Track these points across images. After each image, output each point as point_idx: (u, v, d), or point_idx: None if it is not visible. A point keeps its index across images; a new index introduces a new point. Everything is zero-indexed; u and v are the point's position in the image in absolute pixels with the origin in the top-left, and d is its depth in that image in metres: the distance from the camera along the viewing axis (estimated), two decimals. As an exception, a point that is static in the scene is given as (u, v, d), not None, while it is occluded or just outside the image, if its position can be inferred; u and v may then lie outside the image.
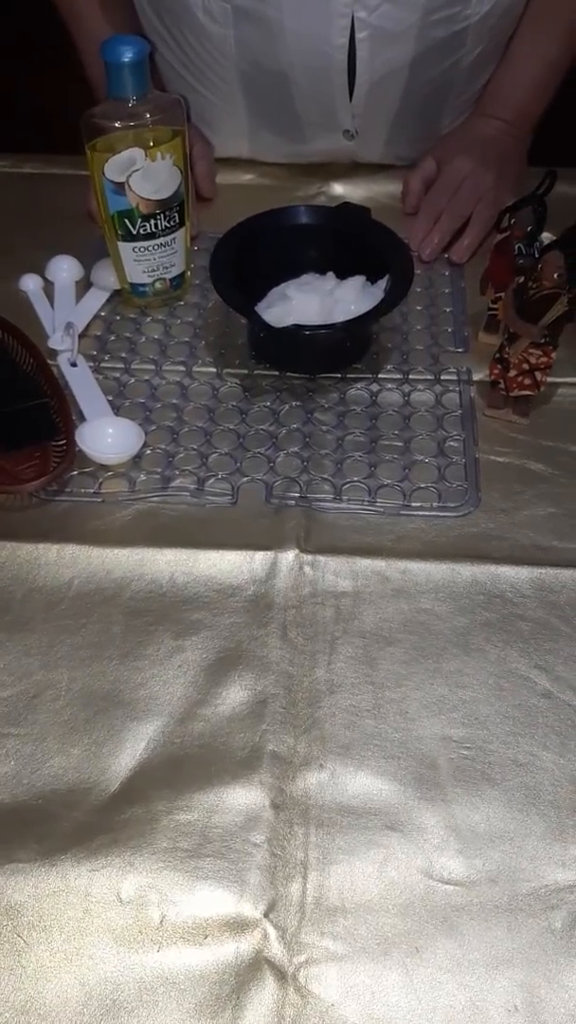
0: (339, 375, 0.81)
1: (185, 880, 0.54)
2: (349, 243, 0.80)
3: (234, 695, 0.61)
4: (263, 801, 0.57)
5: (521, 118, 0.93)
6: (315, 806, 0.57)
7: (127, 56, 0.70)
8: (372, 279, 0.80)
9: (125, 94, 0.72)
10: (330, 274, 0.82)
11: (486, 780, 0.58)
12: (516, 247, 0.76)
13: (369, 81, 0.89)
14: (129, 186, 0.76)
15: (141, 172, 0.75)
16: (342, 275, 0.81)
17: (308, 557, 0.68)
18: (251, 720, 0.60)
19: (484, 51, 0.91)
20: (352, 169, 0.98)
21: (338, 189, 0.98)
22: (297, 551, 0.68)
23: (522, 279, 0.72)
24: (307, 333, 0.75)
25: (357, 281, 0.79)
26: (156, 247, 0.81)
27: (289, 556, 0.68)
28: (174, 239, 0.81)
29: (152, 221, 0.79)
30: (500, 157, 0.91)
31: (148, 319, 0.86)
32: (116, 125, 0.73)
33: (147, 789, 0.57)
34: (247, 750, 0.59)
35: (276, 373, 0.81)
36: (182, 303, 0.87)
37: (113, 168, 0.74)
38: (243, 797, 0.57)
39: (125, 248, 0.80)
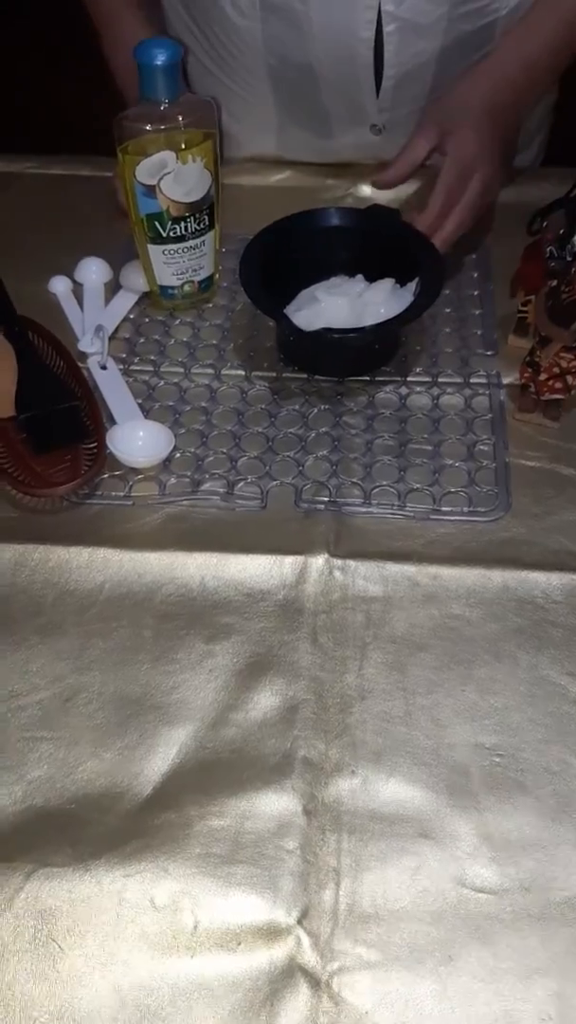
0: (368, 378, 0.81)
1: (218, 886, 0.54)
2: (379, 245, 0.80)
3: (265, 700, 0.61)
4: (295, 807, 0.57)
5: (529, 76, 0.86)
6: (347, 812, 0.57)
7: (160, 59, 0.70)
8: (401, 282, 0.79)
9: (157, 96, 0.72)
10: (359, 276, 0.81)
11: (518, 788, 0.58)
12: (548, 250, 0.76)
13: (396, 75, 0.88)
14: (160, 189, 0.76)
15: (172, 175, 0.75)
16: (371, 277, 0.81)
17: (338, 562, 0.68)
18: (282, 726, 0.60)
19: None
20: (380, 170, 0.97)
21: (366, 190, 0.98)
22: (327, 555, 0.68)
23: (555, 283, 0.71)
24: (336, 337, 0.74)
25: (387, 284, 0.79)
26: (185, 250, 0.81)
27: (319, 561, 0.68)
28: (203, 242, 0.81)
29: (182, 224, 0.79)
30: (504, 125, 0.85)
31: (177, 321, 0.86)
32: (147, 128, 0.73)
33: (180, 794, 0.57)
34: (279, 756, 0.59)
35: (305, 376, 0.81)
36: (210, 305, 0.87)
37: (144, 171, 0.74)
38: (275, 803, 0.57)
39: (155, 251, 0.80)
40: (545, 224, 0.77)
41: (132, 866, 0.54)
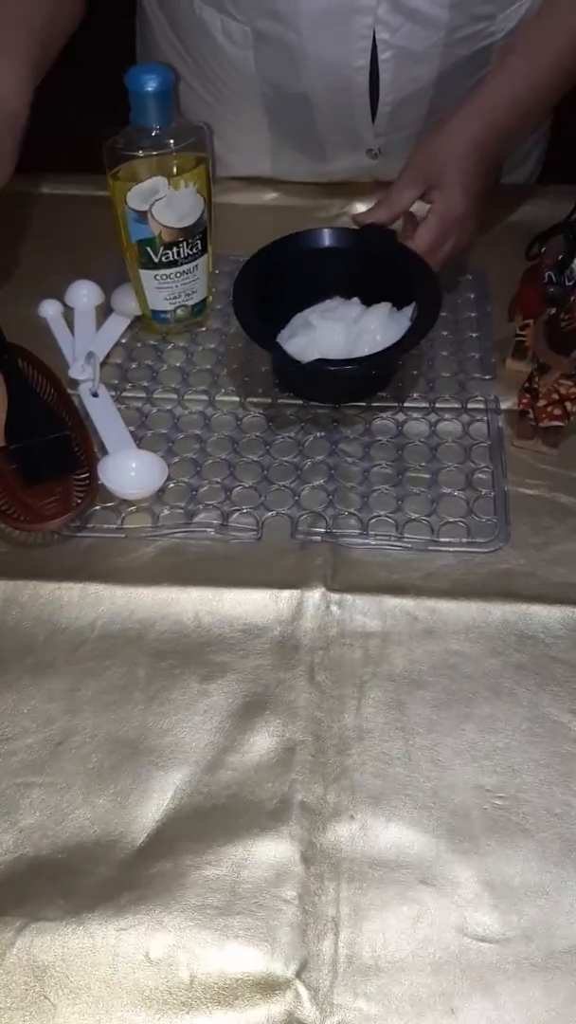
0: (364, 404, 0.79)
1: (215, 939, 0.53)
2: (374, 267, 0.79)
3: (262, 742, 0.60)
4: (293, 855, 0.56)
5: (517, 118, 0.83)
6: (346, 859, 0.56)
7: (151, 85, 0.69)
8: (398, 304, 0.78)
9: (148, 123, 0.71)
10: (355, 300, 0.80)
11: (520, 831, 0.57)
12: (546, 275, 0.75)
13: (393, 102, 0.87)
14: (152, 215, 0.74)
15: (164, 201, 0.74)
16: (367, 299, 0.79)
17: (335, 596, 0.67)
18: (279, 769, 0.59)
19: None
20: (374, 188, 0.96)
21: (360, 208, 0.96)
22: (324, 589, 0.67)
23: (553, 310, 0.70)
24: (331, 370, 0.73)
25: (383, 309, 0.77)
26: (178, 275, 0.79)
27: (316, 595, 0.67)
28: (196, 266, 0.80)
29: (174, 249, 0.77)
30: (490, 168, 0.82)
31: (170, 346, 0.85)
32: (139, 154, 0.72)
33: (174, 842, 0.56)
34: (276, 800, 0.58)
35: (300, 402, 0.80)
36: (203, 329, 0.86)
37: (136, 197, 0.73)
38: (272, 850, 0.56)
39: (146, 276, 0.79)
40: (543, 249, 0.76)
41: (126, 919, 0.53)
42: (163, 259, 0.78)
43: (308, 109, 0.89)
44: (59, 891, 0.54)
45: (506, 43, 0.85)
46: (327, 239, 0.82)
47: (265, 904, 0.54)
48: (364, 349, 0.76)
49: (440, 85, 0.86)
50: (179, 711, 0.62)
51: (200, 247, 0.79)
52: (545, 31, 0.81)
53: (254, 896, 0.54)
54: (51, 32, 0.79)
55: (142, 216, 0.75)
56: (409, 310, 0.77)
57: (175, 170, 0.73)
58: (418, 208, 0.81)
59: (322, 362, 0.73)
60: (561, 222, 0.77)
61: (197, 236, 0.78)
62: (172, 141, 0.73)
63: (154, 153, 0.73)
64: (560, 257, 0.73)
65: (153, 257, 0.77)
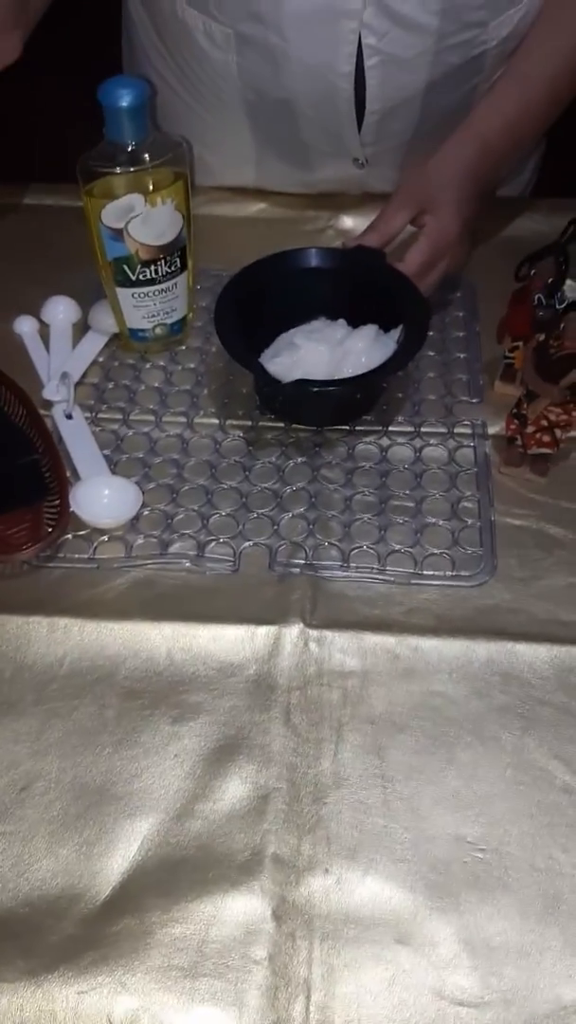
0: (348, 428, 0.77)
1: (180, 1003, 0.50)
2: (362, 288, 0.76)
3: (234, 789, 0.58)
4: (264, 911, 0.53)
5: (510, 140, 0.82)
6: (319, 916, 0.53)
7: (125, 100, 0.66)
8: (385, 327, 0.76)
9: (123, 139, 0.68)
10: (341, 321, 0.78)
11: (501, 886, 0.54)
12: (536, 298, 0.72)
13: (380, 110, 0.84)
14: (128, 232, 0.72)
15: (141, 218, 0.71)
16: (354, 320, 0.77)
17: (314, 632, 0.64)
18: (252, 818, 0.57)
19: None
20: (362, 201, 0.93)
21: (348, 222, 0.94)
22: (302, 625, 0.64)
23: (543, 337, 0.67)
24: (314, 391, 0.71)
25: (369, 331, 0.75)
26: (156, 292, 0.77)
27: (293, 631, 0.64)
28: (175, 284, 0.77)
29: (152, 267, 0.75)
30: (480, 197, 0.80)
31: (148, 365, 0.82)
32: (115, 171, 0.70)
33: (140, 896, 0.54)
34: (247, 852, 0.55)
35: (281, 425, 0.77)
36: (183, 348, 0.83)
37: (111, 214, 0.71)
38: (243, 906, 0.53)
39: (123, 294, 0.76)
40: (533, 272, 0.74)
41: (88, 980, 0.51)
42: (141, 277, 0.75)
43: (292, 116, 0.86)
44: (19, 950, 0.52)
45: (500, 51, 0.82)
46: (313, 259, 0.79)
47: (234, 965, 0.51)
48: (349, 371, 0.73)
49: (430, 95, 0.84)
50: (149, 755, 0.59)
51: (179, 265, 0.76)
52: (536, 54, 0.80)
53: (222, 956, 0.52)
54: None
55: (118, 234, 0.72)
56: (396, 333, 0.75)
57: (152, 186, 0.71)
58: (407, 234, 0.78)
59: (304, 383, 0.71)
60: (551, 244, 0.74)
61: (176, 254, 0.75)
62: (148, 156, 0.70)
63: (131, 169, 0.70)
64: (550, 280, 0.71)
65: (130, 275, 0.75)
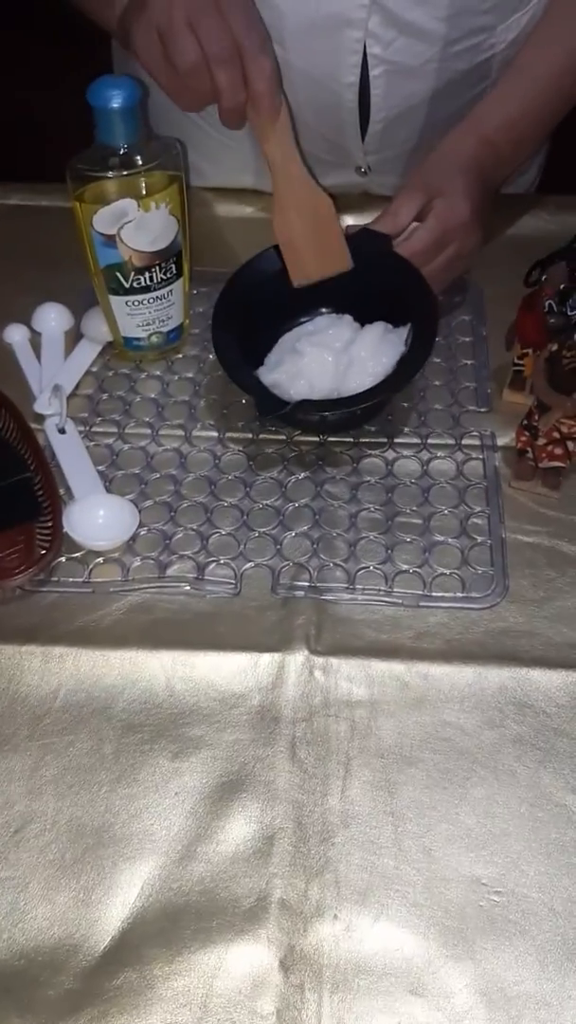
0: (351, 440, 0.74)
1: (184, 1063, 0.48)
2: (367, 277, 0.73)
3: (238, 830, 0.55)
4: (271, 961, 0.51)
5: (509, 137, 0.79)
6: (328, 966, 0.51)
7: (116, 101, 0.63)
8: (392, 320, 0.72)
9: (115, 141, 0.65)
10: (347, 317, 0.74)
11: (519, 932, 0.52)
12: (547, 304, 0.69)
13: (384, 119, 0.81)
14: (121, 239, 0.69)
15: (134, 224, 0.68)
16: (360, 313, 0.74)
17: (319, 660, 0.62)
18: (257, 861, 0.54)
19: None
20: (364, 201, 0.90)
21: (348, 221, 0.90)
22: (307, 653, 0.62)
23: (555, 347, 0.65)
24: (318, 416, 0.68)
25: (376, 331, 0.72)
26: (151, 300, 0.74)
27: (298, 659, 0.62)
28: (171, 291, 0.74)
29: (146, 274, 0.71)
30: (490, 187, 0.78)
31: (143, 375, 0.79)
32: (107, 175, 0.66)
33: (141, 947, 0.51)
34: (252, 898, 0.53)
35: (283, 438, 0.74)
36: (180, 356, 0.80)
37: (103, 220, 0.67)
38: (249, 957, 0.51)
39: (117, 302, 0.73)
40: (544, 277, 0.70)
41: (87, 1039, 0.48)
42: (134, 285, 0.72)
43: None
44: (14, 1006, 0.49)
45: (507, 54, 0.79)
46: None
47: (239, 1020, 0.49)
48: (354, 379, 0.70)
49: (436, 101, 0.81)
50: (148, 793, 0.57)
51: (175, 271, 0.73)
52: (540, 51, 0.77)
53: (228, 1012, 0.49)
54: None
55: (110, 240, 0.69)
56: (404, 332, 0.72)
57: (145, 190, 0.67)
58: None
59: (306, 403, 0.68)
60: (563, 248, 0.71)
61: (171, 260, 0.72)
62: (141, 159, 0.67)
63: (123, 173, 0.67)
64: (562, 286, 0.68)
65: (123, 283, 0.72)
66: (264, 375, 0.72)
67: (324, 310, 0.77)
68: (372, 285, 0.72)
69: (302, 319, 0.77)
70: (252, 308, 0.72)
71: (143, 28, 0.65)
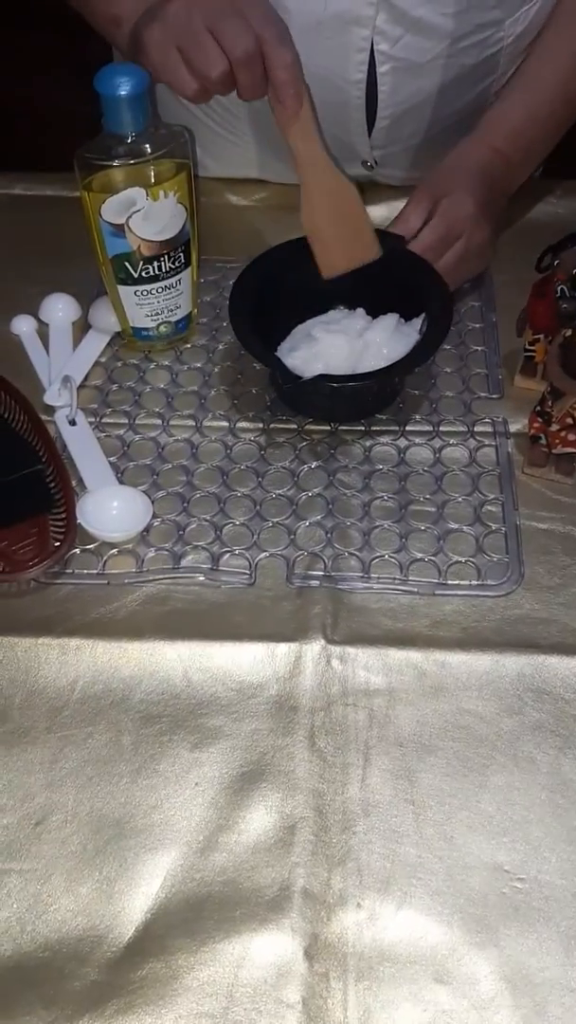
0: (363, 427, 0.74)
1: (211, 1053, 0.48)
2: (381, 275, 0.72)
3: (259, 819, 0.55)
4: (295, 951, 0.51)
5: (516, 145, 0.80)
6: (353, 954, 0.51)
7: (124, 89, 0.62)
8: (405, 315, 0.72)
9: (123, 130, 0.65)
10: (360, 311, 0.74)
11: (543, 918, 0.52)
12: (559, 289, 0.69)
13: (391, 115, 0.81)
14: (129, 228, 0.68)
15: (142, 213, 0.67)
16: (373, 310, 0.73)
17: (336, 649, 0.62)
18: (279, 850, 0.54)
19: None
20: (370, 189, 0.89)
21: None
22: (324, 642, 0.62)
23: (569, 332, 0.64)
24: (335, 386, 0.68)
25: (390, 321, 0.72)
26: (160, 290, 0.73)
27: (315, 648, 0.62)
28: (179, 280, 0.74)
29: (155, 263, 0.71)
30: (498, 194, 0.78)
31: (152, 365, 0.79)
32: (114, 163, 0.66)
33: (165, 937, 0.51)
34: (276, 887, 0.53)
35: (294, 427, 0.74)
36: (189, 346, 0.80)
37: (111, 209, 0.67)
38: (273, 946, 0.51)
39: (125, 292, 0.73)
40: (556, 262, 0.70)
41: (113, 1030, 0.48)
42: (143, 274, 0.72)
43: None
44: (39, 998, 0.49)
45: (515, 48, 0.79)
46: None
47: (266, 1010, 0.49)
48: (369, 363, 0.70)
49: (443, 96, 0.80)
50: (168, 784, 0.57)
51: (183, 260, 0.73)
52: (545, 58, 0.77)
53: (254, 1001, 0.49)
54: None
55: (119, 229, 0.68)
56: (417, 322, 0.72)
57: (153, 179, 0.67)
58: None
59: (324, 378, 0.67)
60: (575, 233, 0.71)
61: (180, 249, 0.72)
62: (149, 148, 0.66)
63: (130, 161, 0.66)
64: (575, 271, 0.67)
65: (132, 272, 0.71)
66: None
67: (337, 306, 0.77)
68: (386, 282, 0.72)
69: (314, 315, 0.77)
70: (265, 302, 0.72)
71: (159, 46, 0.65)
